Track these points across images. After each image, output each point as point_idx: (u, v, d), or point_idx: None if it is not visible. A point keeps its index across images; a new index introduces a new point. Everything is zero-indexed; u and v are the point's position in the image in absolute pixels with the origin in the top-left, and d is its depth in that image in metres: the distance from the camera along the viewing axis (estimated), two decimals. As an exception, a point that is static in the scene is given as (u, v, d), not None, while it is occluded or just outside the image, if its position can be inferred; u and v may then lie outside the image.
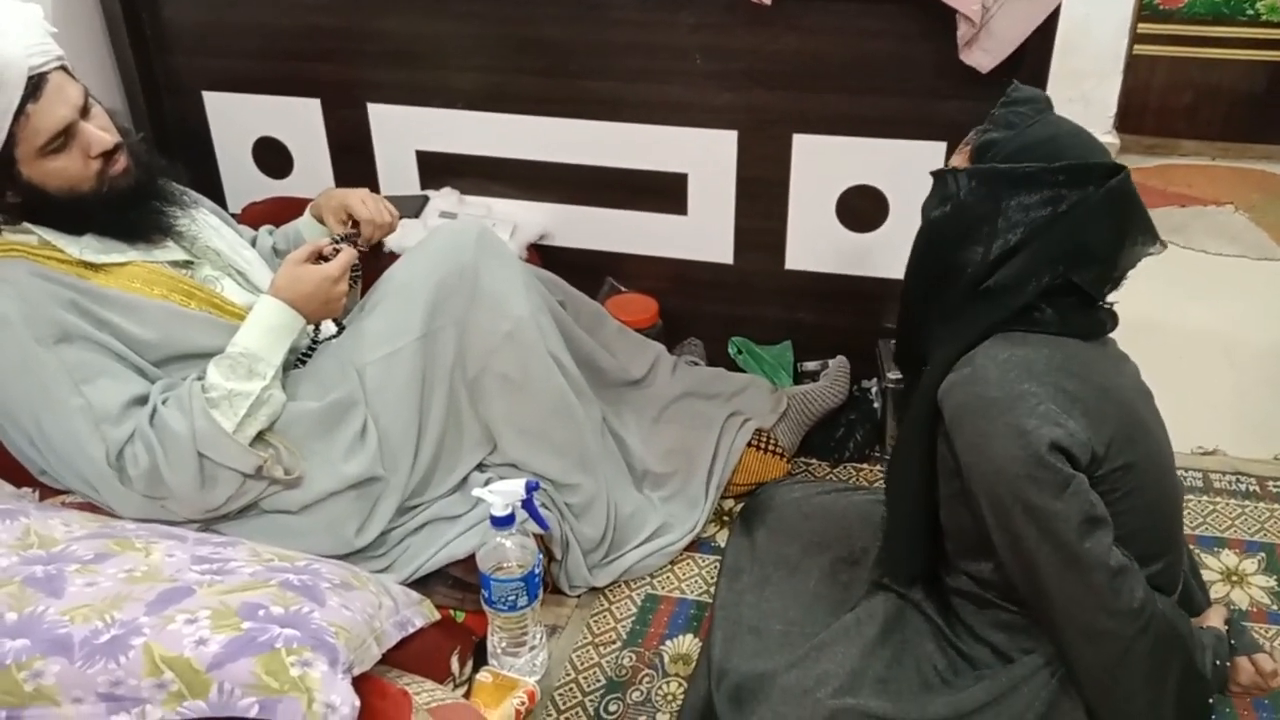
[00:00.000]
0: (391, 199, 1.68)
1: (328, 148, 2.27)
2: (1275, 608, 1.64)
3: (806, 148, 1.99)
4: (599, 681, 1.52)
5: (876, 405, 2.05)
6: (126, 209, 1.42)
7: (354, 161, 2.27)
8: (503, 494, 1.43)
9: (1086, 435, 1.16)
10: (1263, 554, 1.75)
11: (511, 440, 1.61)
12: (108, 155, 1.37)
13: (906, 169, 1.94)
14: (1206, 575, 1.68)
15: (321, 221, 1.69)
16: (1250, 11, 3.47)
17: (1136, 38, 3.21)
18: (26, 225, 1.37)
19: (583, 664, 1.55)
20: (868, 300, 2.09)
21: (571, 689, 1.51)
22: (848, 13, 1.86)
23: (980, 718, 1.26)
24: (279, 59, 2.20)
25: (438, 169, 2.22)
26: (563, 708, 1.48)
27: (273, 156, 2.32)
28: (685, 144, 2.05)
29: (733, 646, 1.44)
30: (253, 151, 2.33)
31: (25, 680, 0.99)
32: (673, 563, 1.75)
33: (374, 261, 1.74)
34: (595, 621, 1.64)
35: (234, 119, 2.31)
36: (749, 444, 1.87)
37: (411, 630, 1.24)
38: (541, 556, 1.52)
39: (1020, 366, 1.18)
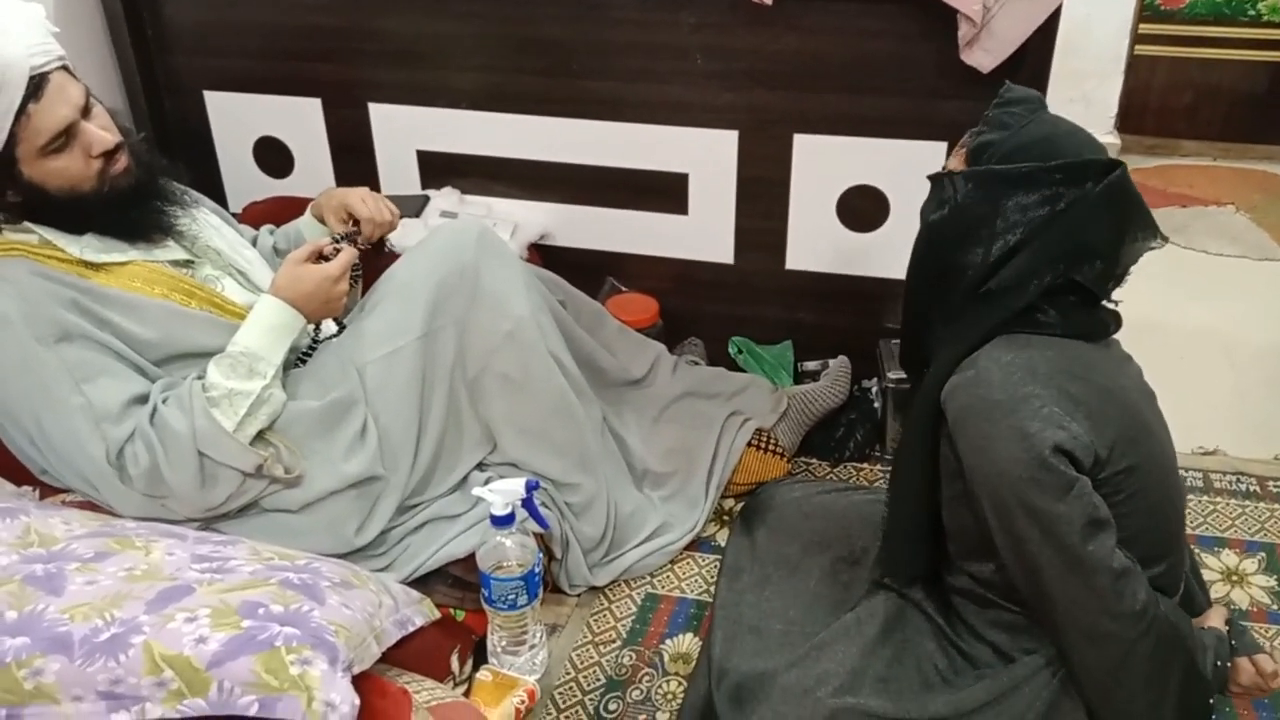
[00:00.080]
0: (392, 198, 1.68)
1: (328, 147, 2.28)
2: (1275, 608, 1.64)
3: (807, 148, 1.99)
4: (599, 680, 1.52)
5: (877, 405, 2.05)
6: (127, 208, 1.42)
7: (355, 161, 2.27)
8: (503, 493, 1.43)
9: (1090, 438, 1.16)
10: (1263, 554, 1.75)
11: (512, 440, 1.61)
12: (109, 155, 1.37)
13: (907, 169, 1.94)
14: (1207, 575, 1.68)
15: (322, 221, 1.69)
16: (1251, 12, 3.47)
17: (1137, 38, 3.21)
18: (27, 224, 1.37)
19: (583, 663, 1.56)
20: (868, 300, 2.09)
21: (571, 688, 1.51)
22: (848, 13, 1.86)
23: (981, 717, 1.26)
24: (280, 58, 2.20)
25: (438, 168, 2.22)
26: (563, 706, 1.48)
27: (273, 156, 2.32)
28: (686, 144, 2.05)
29: (733, 646, 1.44)
30: (253, 151, 2.33)
31: (25, 678, 0.99)
32: (673, 562, 1.75)
33: (375, 261, 1.74)
34: (595, 620, 1.64)
35: (235, 118, 2.31)
36: (749, 443, 1.87)
37: (411, 629, 1.24)
38: (541, 555, 1.52)
39: (1023, 369, 1.18)
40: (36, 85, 1.29)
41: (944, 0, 1.71)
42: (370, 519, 1.50)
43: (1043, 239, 1.19)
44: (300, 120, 2.26)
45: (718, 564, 1.71)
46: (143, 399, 1.36)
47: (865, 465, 2.00)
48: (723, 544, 1.77)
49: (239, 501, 1.41)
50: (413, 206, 2.11)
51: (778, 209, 2.07)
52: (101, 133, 1.36)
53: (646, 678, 1.53)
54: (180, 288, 1.45)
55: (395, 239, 1.98)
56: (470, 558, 1.49)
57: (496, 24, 2.04)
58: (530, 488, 1.47)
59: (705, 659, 1.46)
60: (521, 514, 1.47)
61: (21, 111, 1.28)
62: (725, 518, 1.86)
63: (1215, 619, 1.33)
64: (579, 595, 1.67)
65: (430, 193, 2.20)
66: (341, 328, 1.59)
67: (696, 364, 2.09)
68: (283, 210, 1.95)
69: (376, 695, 1.10)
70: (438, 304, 1.53)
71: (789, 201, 2.06)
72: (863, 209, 2.02)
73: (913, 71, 1.87)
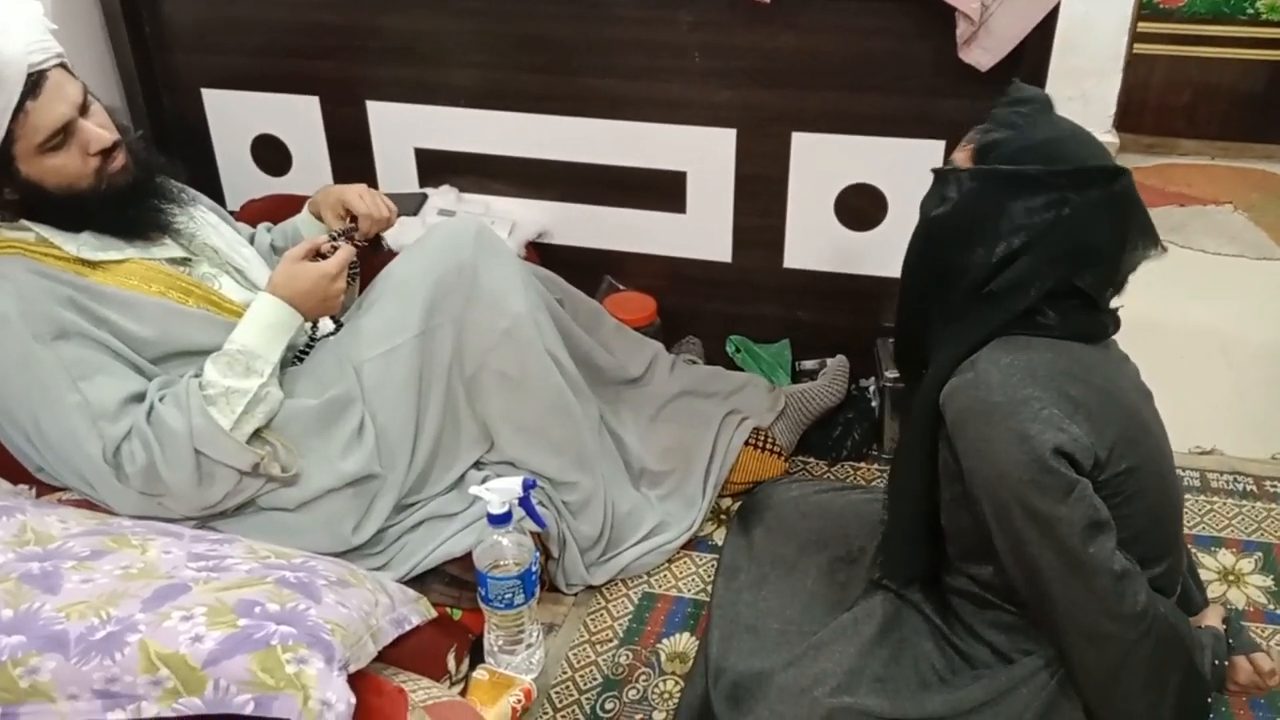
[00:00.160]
0: (390, 196, 1.67)
1: (326, 145, 2.27)
2: (1272, 607, 1.64)
3: (805, 146, 1.99)
4: (595, 680, 1.52)
5: (874, 404, 2.05)
6: (125, 206, 1.42)
7: (353, 159, 2.26)
8: (500, 492, 1.43)
9: (1089, 440, 1.16)
10: (1260, 553, 1.75)
11: (509, 438, 1.61)
12: (106, 153, 1.37)
13: (905, 167, 1.94)
14: (1204, 575, 1.68)
15: (320, 218, 1.69)
16: (1250, 11, 3.47)
17: (1136, 36, 3.20)
18: (24, 222, 1.37)
19: (579, 662, 1.55)
20: (866, 299, 2.09)
21: (568, 687, 1.51)
22: (847, 11, 1.85)
23: (978, 717, 1.26)
24: (278, 56, 2.20)
25: (436, 167, 2.22)
26: (559, 706, 1.48)
27: (271, 154, 2.32)
28: (684, 142, 2.04)
29: (730, 645, 1.44)
30: (251, 149, 2.33)
31: (21, 677, 0.98)
32: (670, 561, 1.75)
33: (372, 259, 1.74)
34: (592, 620, 1.64)
35: (233, 116, 2.31)
36: (747, 442, 1.87)
37: (408, 628, 1.24)
38: (538, 554, 1.52)
39: (1023, 371, 1.17)
40: (35, 83, 1.29)
41: (942, -1, 1.71)
42: (367, 517, 1.50)
43: (1046, 243, 1.18)
44: (298, 118, 2.25)
45: (715, 563, 1.71)
46: (140, 397, 1.36)
47: (863, 464, 2.00)
48: (720, 543, 1.77)
49: (236, 500, 1.41)
50: (411, 204, 2.10)
51: (776, 207, 2.07)
52: (99, 130, 1.36)
53: (643, 677, 1.53)
54: (177, 286, 1.45)
55: (393, 237, 1.98)
56: (467, 556, 1.49)
57: (495, 22, 2.03)
58: (527, 486, 1.47)
59: (702, 658, 1.46)
60: (518, 513, 1.47)
61: (19, 109, 1.28)
62: (722, 517, 1.86)
63: (1212, 618, 1.33)
64: (576, 594, 1.67)
65: (428, 191, 2.19)
66: (339, 325, 1.59)
67: (694, 363, 2.09)
68: (281, 208, 1.94)
69: (373, 694, 1.10)
70: (435, 302, 1.53)
71: (787, 200, 2.06)
72: (861, 207, 2.02)
73: (911, 70, 1.87)
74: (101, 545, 1.17)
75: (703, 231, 2.13)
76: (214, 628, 1.02)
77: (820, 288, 2.12)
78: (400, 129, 2.20)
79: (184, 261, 1.50)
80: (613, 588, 1.70)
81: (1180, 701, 1.22)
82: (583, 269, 2.13)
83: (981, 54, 1.76)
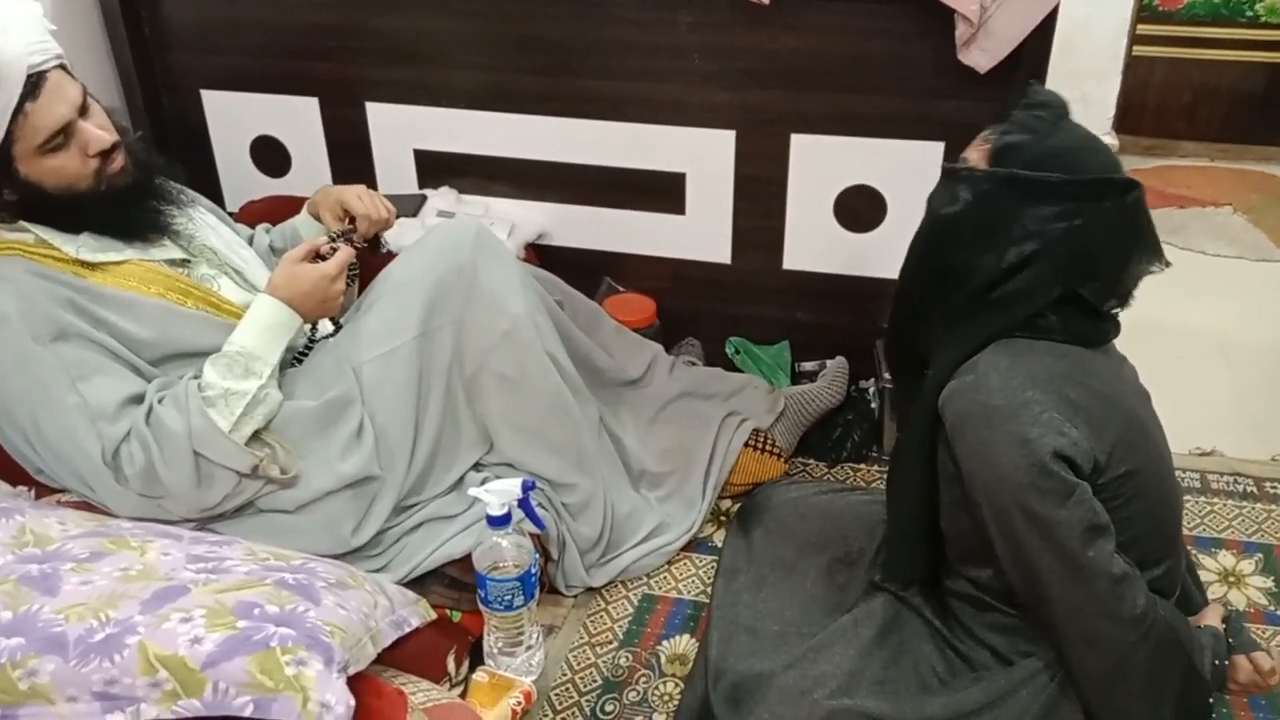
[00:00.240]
0: (389, 198, 1.67)
1: (326, 146, 2.27)
2: (1272, 608, 1.64)
3: (804, 147, 1.99)
4: (595, 682, 1.52)
5: (874, 405, 2.05)
6: (124, 207, 1.42)
7: (352, 160, 2.26)
8: (499, 493, 1.43)
9: (1089, 444, 1.15)
10: (1260, 555, 1.75)
11: (508, 439, 1.61)
12: (106, 154, 1.37)
13: (905, 169, 1.94)
14: (1204, 576, 1.68)
15: (318, 219, 1.69)
16: (1249, 13, 3.47)
17: (1135, 38, 3.20)
18: (23, 224, 1.37)
19: (579, 664, 1.55)
20: (866, 300, 2.09)
21: (568, 689, 1.51)
22: (846, 12, 1.86)
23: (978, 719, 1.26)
24: (278, 57, 2.20)
25: (436, 168, 2.22)
26: (559, 708, 1.48)
27: (271, 155, 2.32)
28: (683, 143, 2.04)
29: (729, 647, 1.44)
30: (251, 150, 2.33)
31: (20, 679, 0.98)
32: (670, 563, 1.75)
33: (372, 260, 1.74)
34: (592, 621, 1.63)
35: (232, 117, 2.30)
36: (746, 444, 1.87)
37: (408, 630, 1.23)
38: (538, 556, 1.52)
39: (1023, 374, 1.17)
40: (34, 84, 1.29)
41: (941, 0, 1.71)
42: (366, 519, 1.50)
43: (1057, 251, 1.17)
44: (297, 119, 2.25)
45: (714, 565, 1.70)
46: (139, 398, 1.36)
47: (862, 466, 2.00)
48: (719, 545, 1.77)
49: (235, 501, 1.41)
50: (410, 206, 2.11)
51: (775, 209, 2.07)
52: (99, 132, 1.36)
53: (643, 679, 1.53)
54: (176, 287, 1.45)
55: (392, 238, 1.97)
56: (467, 558, 1.49)
57: (494, 23, 2.03)
58: (527, 488, 1.46)
59: (702, 660, 1.46)
60: (518, 514, 1.47)
61: (19, 110, 1.28)
62: (722, 518, 1.86)
63: (1212, 617, 1.33)
64: (575, 596, 1.67)
65: (427, 192, 2.20)
66: (338, 327, 1.59)
67: (694, 364, 2.09)
68: (280, 209, 1.94)
69: (372, 696, 1.09)
70: (434, 303, 1.53)
71: (786, 201, 2.06)
72: (860, 209, 2.02)
73: (910, 71, 1.87)
74: (100, 547, 1.17)
75: (702, 233, 2.13)
76: (213, 629, 1.02)
77: (820, 289, 2.12)
78: (399, 130, 2.20)
79: (183, 263, 1.50)
80: (612, 589, 1.70)
81: (1180, 703, 1.22)
82: (582, 270, 2.13)
83: (981, 55, 1.76)
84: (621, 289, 2.22)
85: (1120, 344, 1.32)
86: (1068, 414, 1.15)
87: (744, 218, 2.10)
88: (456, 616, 1.53)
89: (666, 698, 1.49)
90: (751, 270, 2.15)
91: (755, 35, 1.91)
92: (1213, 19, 3.49)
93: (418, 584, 1.50)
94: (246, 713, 0.98)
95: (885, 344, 1.53)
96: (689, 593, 1.69)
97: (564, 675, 1.53)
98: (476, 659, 1.48)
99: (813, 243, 2.08)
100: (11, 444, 1.39)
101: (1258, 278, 2.83)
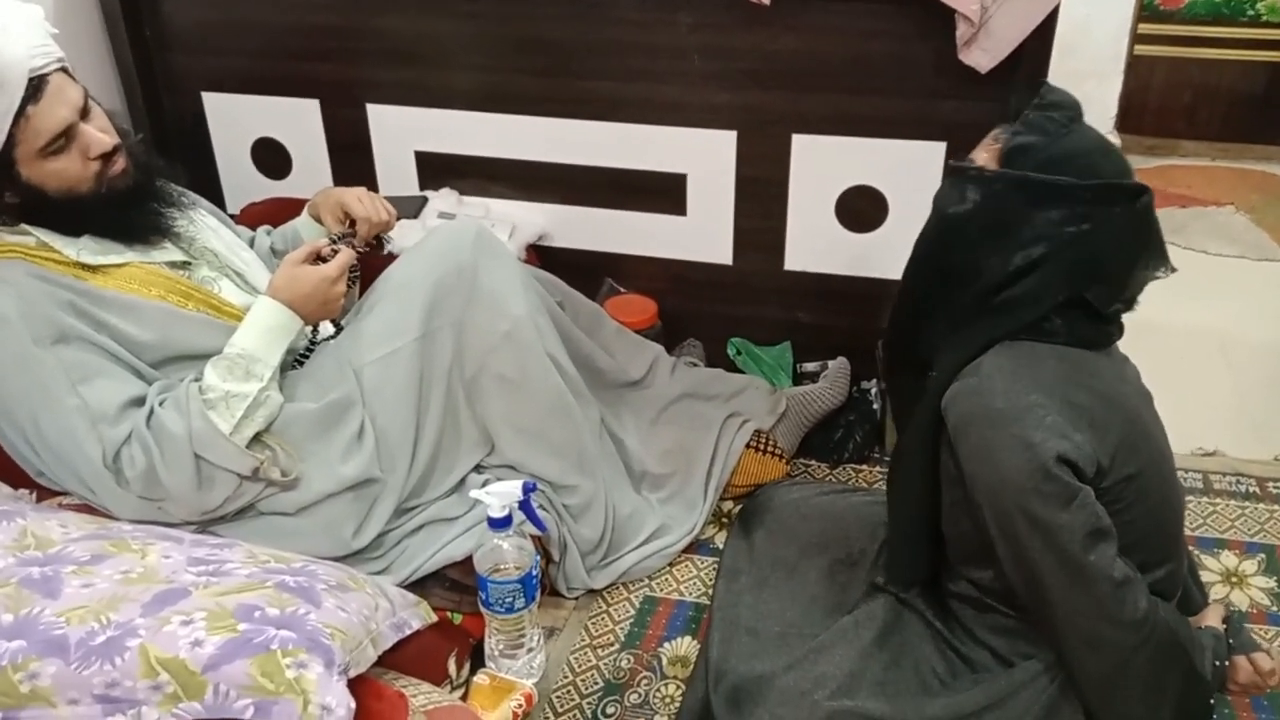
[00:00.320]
0: (390, 199, 1.68)
1: (326, 148, 2.27)
2: (1275, 609, 1.63)
3: (805, 148, 1.99)
4: (597, 684, 1.52)
5: (876, 406, 2.05)
6: (125, 210, 1.42)
7: (353, 162, 2.26)
8: (500, 495, 1.43)
9: (1092, 447, 1.15)
10: (1262, 555, 1.75)
11: (509, 440, 1.61)
12: (107, 156, 1.37)
13: (906, 169, 1.94)
14: (1206, 577, 1.68)
15: (319, 221, 1.69)
16: (1250, 12, 3.47)
17: (1136, 38, 3.20)
18: (24, 226, 1.37)
19: (580, 666, 1.55)
20: (867, 301, 2.08)
21: (569, 691, 1.51)
22: (846, 12, 1.85)
23: (978, 721, 1.26)
24: (278, 59, 2.20)
25: (436, 169, 2.22)
26: (560, 710, 1.48)
27: (271, 157, 2.32)
28: (684, 144, 2.04)
29: (730, 648, 1.44)
30: (251, 152, 2.33)
31: (21, 681, 0.98)
32: (671, 564, 1.75)
33: (372, 261, 1.74)
34: (593, 623, 1.63)
35: (233, 119, 2.31)
36: (748, 445, 1.87)
37: (408, 632, 1.23)
38: (539, 558, 1.52)
39: (1027, 377, 1.17)
40: (36, 87, 1.29)
41: (942, 0, 1.71)
42: (367, 521, 1.50)
43: (1063, 256, 1.16)
44: (298, 121, 2.25)
45: (716, 566, 1.70)
46: (139, 401, 1.36)
47: (864, 467, 2.00)
48: (721, 546, 1.76)
49: (236, 504, 1.41)
50: (411, 207, 2.11)
51: (776, 209, 2.07)
52: (100, 135, 1.36)
53: (644, 681, 1.53)
54: (177, 289, 1.45)
55: (393, 240, 1.98)
56: (468, 560, 1.49)
57: (495, 24, 2.03)
58: (528, 490, 1.46)
59: (703, 661, 1.46)
60: (519, 516, 1.47)
61: (20, 113, 1.28)
62: (724, 520, 1.86)
63: (1212, 617, 1.33)
64: (577, 598, 1.67)
65: (428, 194, 2.20)
66: (339, 329, 1.59)
67: (695, 365, 2.09)
68: (281, 211, 1.95)
69: (373, 698, 1.09)
70: (435, 304, 1.53)
71: (787, 202, 2.05)
72: (861, 209, 2.02)
73: (911, 71, 1.87)
74: (101, 550, 1.17)
75: (703, 234, 2.13)
76: (214, 632, 1.01)
77: (821, 290, 2.12)
78: (400, 131, 2.20)
79: (184, 265, 1.50)
80: (614, 591, 1.70)
81: (1181, 704, 1.22)
82: (583, 271, 2.13)
83: (981, 56, 1.76)
84: (622, 290, 2.22)
85: (1121, 344, 1.32)
86: (1071, 417, 1.15)
87: (745, 218, 2.10)
88: (457, 619, 1.53)
89: (668, 700, 1.49)
90: (753, 271, 2.14)
91: (755, 36, 1.91)
92: (1214, 18, 3.49)
93: (419, 586, 1.50)
94: (247, 715, 0.98)
95: (885, 343, 1.52)
96: (691, 594, 1.69)
97: (565, 677, 1.53)
98: (477, 661, 1.48)
99: (814, 243, 2.08)
100: (13, 446, 1.39)
101: (1259, 277, 2.83)
